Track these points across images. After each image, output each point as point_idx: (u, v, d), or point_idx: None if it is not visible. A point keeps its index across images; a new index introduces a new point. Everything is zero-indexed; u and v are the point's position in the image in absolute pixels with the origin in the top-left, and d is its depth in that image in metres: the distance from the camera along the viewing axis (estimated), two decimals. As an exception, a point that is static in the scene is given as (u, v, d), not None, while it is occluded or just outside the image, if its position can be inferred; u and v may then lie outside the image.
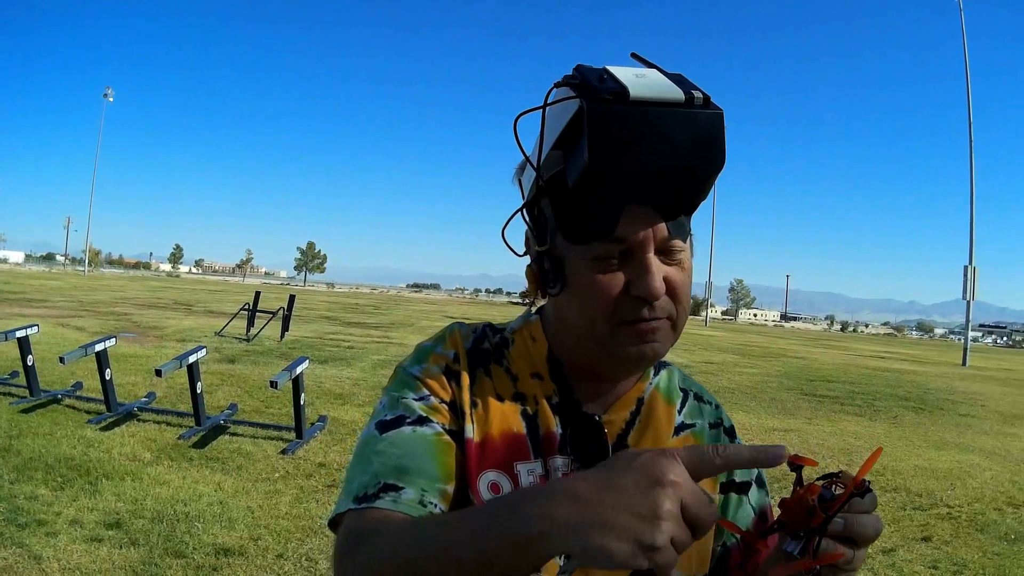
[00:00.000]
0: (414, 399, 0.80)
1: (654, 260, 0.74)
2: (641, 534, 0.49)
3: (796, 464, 0.61)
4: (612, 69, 0.71)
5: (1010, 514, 5.41)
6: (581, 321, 0.77)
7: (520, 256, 0.85)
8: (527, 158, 0.78)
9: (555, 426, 0.81)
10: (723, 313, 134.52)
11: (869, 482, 0.61)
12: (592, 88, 0.69)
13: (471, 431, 0.79)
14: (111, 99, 74.02)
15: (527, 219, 0.82)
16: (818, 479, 0.61)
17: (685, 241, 0.77)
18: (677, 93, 0.69)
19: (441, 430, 0.78)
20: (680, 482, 0.51)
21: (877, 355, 29.35)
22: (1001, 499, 5.84)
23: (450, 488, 0.75)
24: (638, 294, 0.74)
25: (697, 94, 0.70)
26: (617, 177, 0.70)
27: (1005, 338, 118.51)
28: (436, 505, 0.72)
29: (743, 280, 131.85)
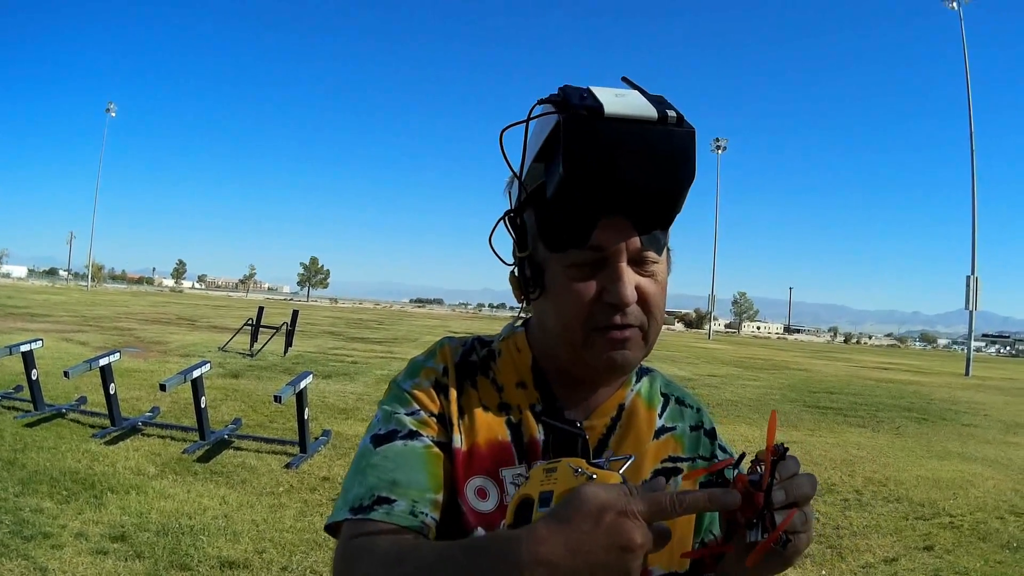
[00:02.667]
0: (405, 414, 0.84)
1: (626, 269, 0.78)
2: None
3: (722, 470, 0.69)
4: (595, 89, 0.76)
5: (1012, 522, 5.41)
6: (558, 326, 0.82)
7: (508, 265, 0.90)
8: (511, 167, 0.84)
9: (538, 433, 0.85)
10: (726, 326, 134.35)
11: (783, 444, 0.66)
12: (570, 105, 0.74)
13: (459, 441, 0.84)
14: (114, 114, 74.76)
15: (508, 226, 0.87)
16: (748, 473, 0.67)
17: (660, 254, 0.82)
18: (651, 111, 0.74)
19: (430, 442, 0.83)
20: (646, 543, 0.57)
21: (880, 366, 29.31)
22: (1003, 508, 5.84)
23: (440, 497, 0.80)
24: (610, 301, 0.78)
25: (671, 113, 0.75)
26: (591, 189, 0.75)
27: (1008, 348, 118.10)
28: (427, 514, 0.78)
29: (746, 293, 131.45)
